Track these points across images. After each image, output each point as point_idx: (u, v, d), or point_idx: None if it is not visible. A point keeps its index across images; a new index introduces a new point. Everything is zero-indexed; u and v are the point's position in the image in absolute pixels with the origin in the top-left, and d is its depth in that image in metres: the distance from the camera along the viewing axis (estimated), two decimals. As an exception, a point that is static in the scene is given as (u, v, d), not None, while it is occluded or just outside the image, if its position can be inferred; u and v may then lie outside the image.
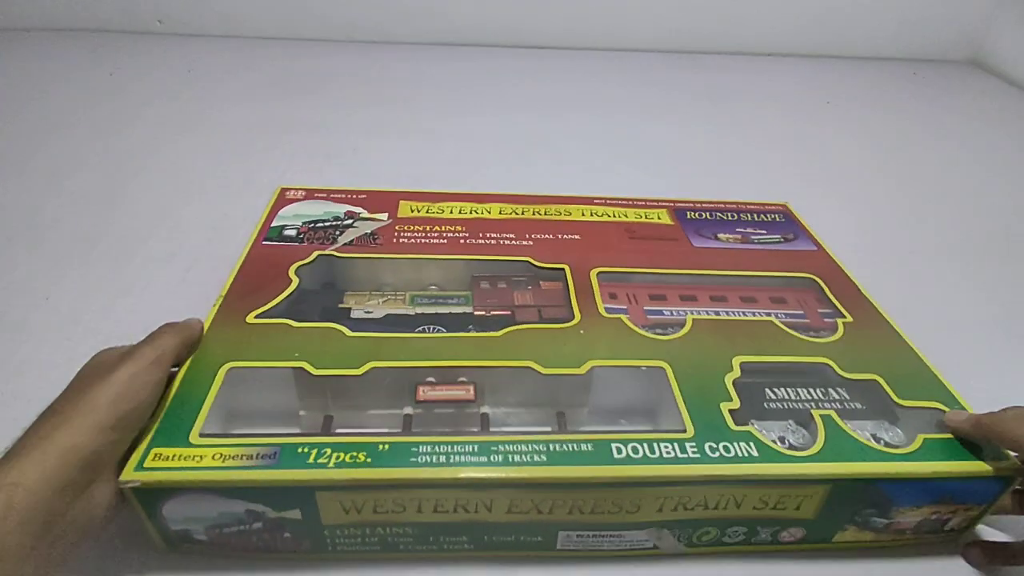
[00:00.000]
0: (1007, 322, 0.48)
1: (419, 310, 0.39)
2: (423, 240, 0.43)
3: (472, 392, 0.32)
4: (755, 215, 0.46)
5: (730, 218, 0.45)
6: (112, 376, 0.27)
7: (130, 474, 0.26)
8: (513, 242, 0.43)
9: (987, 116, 0.89)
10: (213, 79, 0.83)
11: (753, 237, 0.43)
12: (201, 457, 0.27)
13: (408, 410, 0.32)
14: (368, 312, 0.39)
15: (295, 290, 0.38)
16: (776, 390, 0.33)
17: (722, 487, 0.28)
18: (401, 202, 0.47)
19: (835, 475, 0.28)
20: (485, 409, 0.33)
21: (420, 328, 0.36)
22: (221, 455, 0.27)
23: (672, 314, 0.39)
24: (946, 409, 0.31)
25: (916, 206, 0.65)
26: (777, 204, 0.47)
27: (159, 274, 0.47)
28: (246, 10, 0.96)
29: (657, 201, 0.47)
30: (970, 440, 0.29)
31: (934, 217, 0.63)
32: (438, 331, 0.36)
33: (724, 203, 0.47)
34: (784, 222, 0.45)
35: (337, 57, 0.92)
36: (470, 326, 0.36)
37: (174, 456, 0.27)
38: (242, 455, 0.27)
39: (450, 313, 0.38)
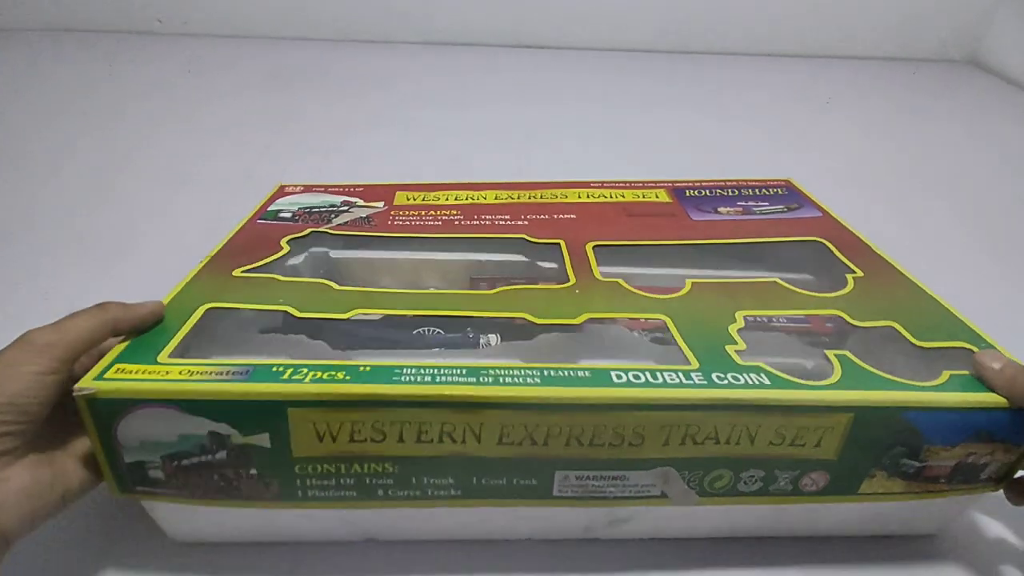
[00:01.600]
0: (1010, 320, 0.47)
1: (417, 311, 0.38)
2: (417, 222, 0.43)
3: None
4: (757, 190, 0.45)
5: (731, 194, 0.45)
6: None
7: (87, 383, 0.24)
8: (508, 222, 0.43)
9: (986, 115, 0.89)
10: (212, 78, 0.84)
11: (755, 209, 0.43)
12: (168, 371, 0.25)
13: None
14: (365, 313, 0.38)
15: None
16: None
17: (732, 414, 0.25)
18: (398, 192, 0.47)
19: (857, 402, 0.26)
20: None
21: (417, 330, 0.35)
22: (189, 371, 0.25)
23: None
24: (973, 348, 0.29)
25: (916, 205, 0.64)
26: (780, 180, 0.47)
27: (158, 271, 0.46)
28: (245, 10, 0.99)
29: (655, 182, 0.47)
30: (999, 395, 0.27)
31: (934, 216, 0.62)
32: (436, 333, 0.35)
33: (724, 181, 0.46)
34: (787, 194, 0.45)
35: (336, 57, 0.94)
36: (468, 328, 0.35)
37: (138, 371, 0.25)
38: (211, 371, 0.25)
39: (448, 315, 0.37)
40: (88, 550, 0.30)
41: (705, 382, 0.26)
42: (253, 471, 0.26)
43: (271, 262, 0.36)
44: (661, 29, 1.05)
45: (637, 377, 0.26)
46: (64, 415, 0.25)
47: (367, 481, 0.26)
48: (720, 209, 0.43)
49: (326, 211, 0.44)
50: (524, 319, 0.32)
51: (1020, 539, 0.33)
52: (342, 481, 0.26)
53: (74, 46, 0.92)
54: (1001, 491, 0.29)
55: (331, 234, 0.41)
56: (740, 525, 0.32)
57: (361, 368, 0.26)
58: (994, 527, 0.33)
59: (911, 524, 0.32)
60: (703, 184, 0.46)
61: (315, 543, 0.31)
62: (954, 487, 0.28)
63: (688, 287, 0.35)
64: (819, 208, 0.43)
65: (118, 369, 0.25)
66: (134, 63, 0.88)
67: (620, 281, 0.35)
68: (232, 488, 0.26)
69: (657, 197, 0.45)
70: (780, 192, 0.45)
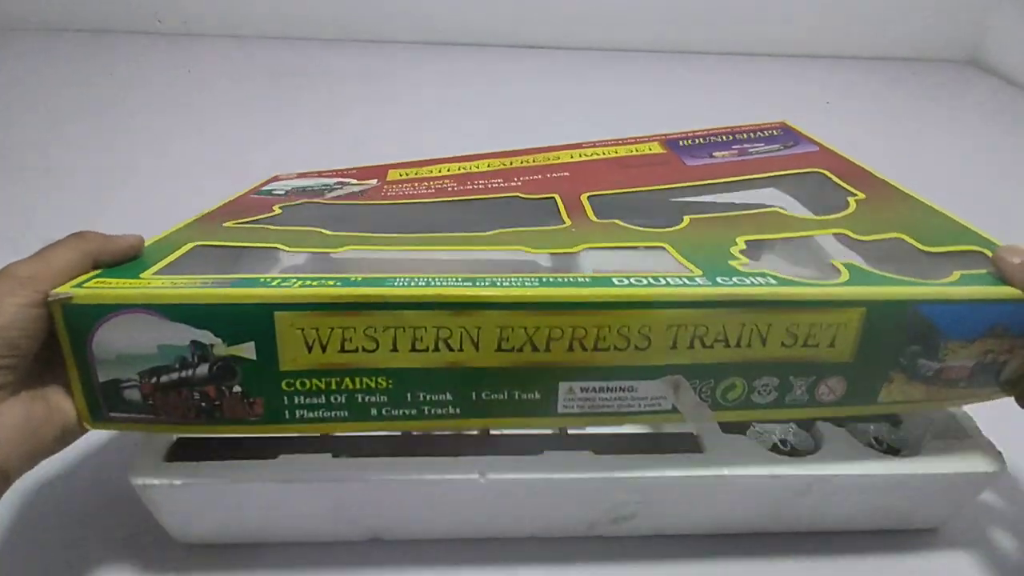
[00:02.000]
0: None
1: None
2: (410, 192, 0.43)
3: None
4: (751, 133, 0.45)
5: (725, 139, 0.44)
6: None
7: (64, 289, 0.23)
8: (501, 185, 0.43)
9: (986, 116, 0.88)
10: (212, 78, 0.84)
11: (751, 150, 0.42)
12: (150, 283, 0.24)
13: None
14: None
15: None
16: None
17: (741, 311, 0.24)
18: (390, 171, 0.47)
19: (869, 296, 0.25)
20: None
21: None
22: (172, 282, 0.24)
23: None
24: (986, 252, 0.28)
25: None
26: (775, 123, 0.46)
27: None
28: (245, 9, 0.99)
29: (648, 136, 0.47)
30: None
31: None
32: None
33: (718, 128, 0.46)
34: (783, 135, 0.44)
35: (336, 57, 0.94)
36: None
37: (119, 283, 0.24)
38: (196, 281, 0.24)
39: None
40: (89, 550, 0.29)
41: (710, 284, 0.25)
42: (236, 388, 0.24)
43: (263, 219, 0.36)
44: (661, 29, 1.05)
45: (639, 280, 0.25)
46: (53, 354, 0.24)
47: (359, 399, 0.25)
48: (715, 154, 0.42)
49: (319, 189, 0.44)
50: (521, 251, 0.31)
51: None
52: (332, 399, 0.25)
53: (74, 46, 0.92)
54: (1005, 472, 0.28)
55: (324, 203, 0.40)
56: (743, 521, 0.30)
57: (353, 278, 0.25)
58: (997, 520, 0.32)
59: (914, 517, 0.31)
60: (696, 133, 0.46)
61: (317, 543, 0.30)
62: (974, 392, 0.27)
63: (687, 222, 0.34)
64: (815, 143, 0.42)
65: (99, 283, 0.24)
66: (134, 63, 0.88)
67: (617, 221, 0.35)
68: (214, 409, 0.25)
69: (651, 149, 0.45)
70: (776, 133, 0.45)
